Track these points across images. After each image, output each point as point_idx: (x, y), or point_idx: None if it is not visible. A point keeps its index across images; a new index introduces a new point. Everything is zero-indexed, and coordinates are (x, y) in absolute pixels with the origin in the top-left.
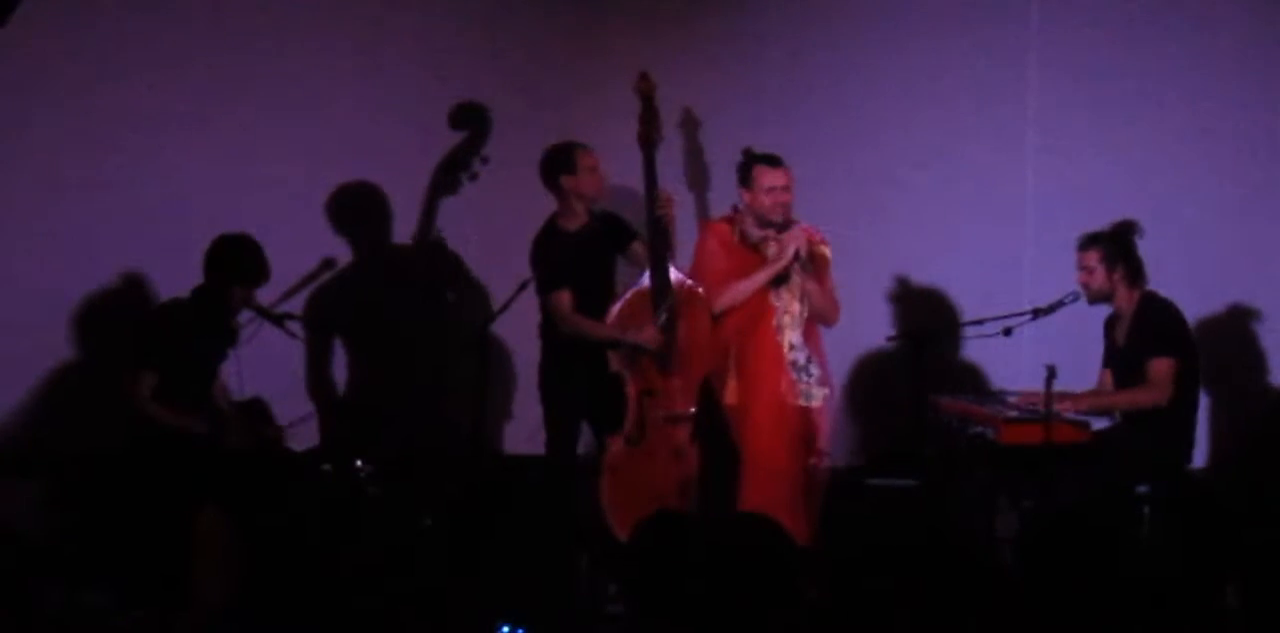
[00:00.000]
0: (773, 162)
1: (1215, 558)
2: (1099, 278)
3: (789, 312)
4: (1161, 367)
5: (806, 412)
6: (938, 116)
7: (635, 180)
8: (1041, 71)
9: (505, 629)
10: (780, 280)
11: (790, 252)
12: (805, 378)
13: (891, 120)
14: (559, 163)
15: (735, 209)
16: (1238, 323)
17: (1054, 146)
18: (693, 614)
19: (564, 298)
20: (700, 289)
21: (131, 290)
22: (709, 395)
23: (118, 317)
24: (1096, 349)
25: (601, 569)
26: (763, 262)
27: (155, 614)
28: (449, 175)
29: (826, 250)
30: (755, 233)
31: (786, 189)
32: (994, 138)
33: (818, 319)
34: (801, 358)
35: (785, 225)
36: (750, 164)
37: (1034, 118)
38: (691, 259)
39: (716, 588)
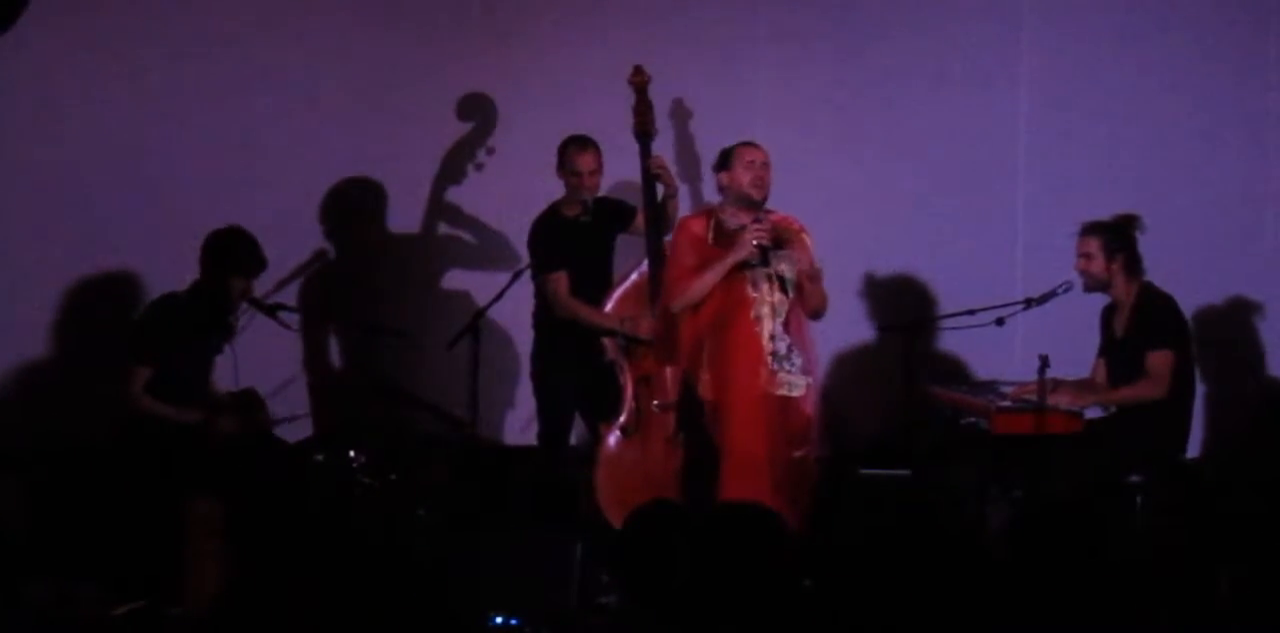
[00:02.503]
0: (749, 143)
1: (1209, 548)
2: (1098, 265)
3: (768, 302)
4: (1161, 360)
5: (788, 402)
6: (929, 107)
7: (632, 172)
8: (1033, 62)
9: (498, 619)
10: (748, 266)
11: (748, 245)
12: (787, 367)
13: (883, 110)
14: (559, 160)
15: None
16: (1233, 315)
17: (1046, 137)
18: (686, 604)
19: (560, 280)
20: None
21: (127, 285)
22: (689, 387)
23: (112, 312)
24: (1089, 339)
25: (595, 559)
26: None
27: (148, 607)
28: (454, 166)
29: (807, 238)
30: (733, 221)
31: (765, 165)
32: (986, 129)
33: (807, 311)
34: (783, 347)
35: (760, 204)
36: (729, 148)
37: (1026, 108)
38: None
39: (710, 577)
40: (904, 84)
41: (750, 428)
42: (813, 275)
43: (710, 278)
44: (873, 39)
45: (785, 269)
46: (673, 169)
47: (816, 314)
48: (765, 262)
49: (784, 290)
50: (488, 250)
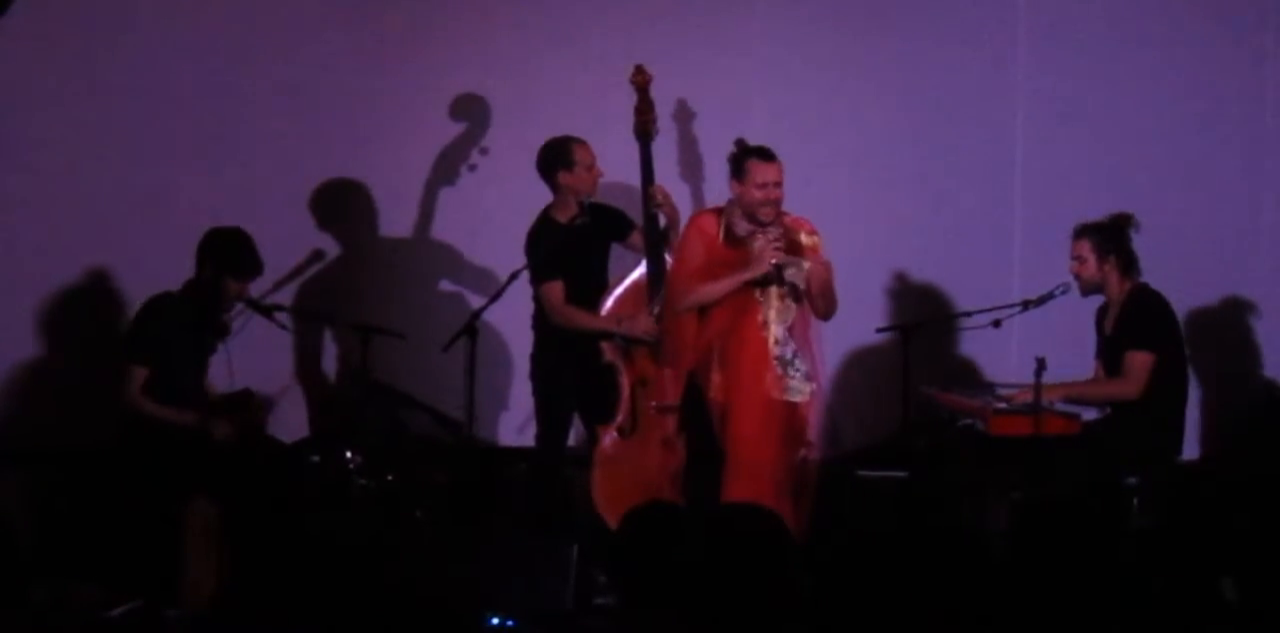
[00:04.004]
0: (766, 156)
1: (1206, 550)
2: (1090, 268)
3: (774, 307)
4: (1137, 360)
5: (791, 407)
6: (927, 106)
7: (632, 173)
8: (1031, 62)
9: (494, 621)
10: (763, 282)
11: (763, 266)
12: (791, 373)
13: (881, 111)
14: (556, 158)
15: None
16: (1230, 314)
17: (1043, 137)
18: (683, 605)
19: (555, 289)
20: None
21: (126, 285)
22: (693, 389)
23: (111, 312)
24: (1086, 341)
25: (591, 560)
26: (745, 257)
27: (146, 607)
28: (448, 166)
29: (818, 240)
30: (744, 226)
31: (778, 185)
32: (983, 128)
33: (817, 312)
34: (788, 353)
35: (766, 233)
36: (744, 157)
37: (1023, 107)
38: None
39: (710, 579)
40: (903, 85)
41: (755, 431)
42: (825, 278)
43: (720, 289)
44: (872, 41)
45: (794, 275)
46: (674, 170)
47: (826, 315)
48: (780, 280)
49: (791, 297)
50: (483, 251)
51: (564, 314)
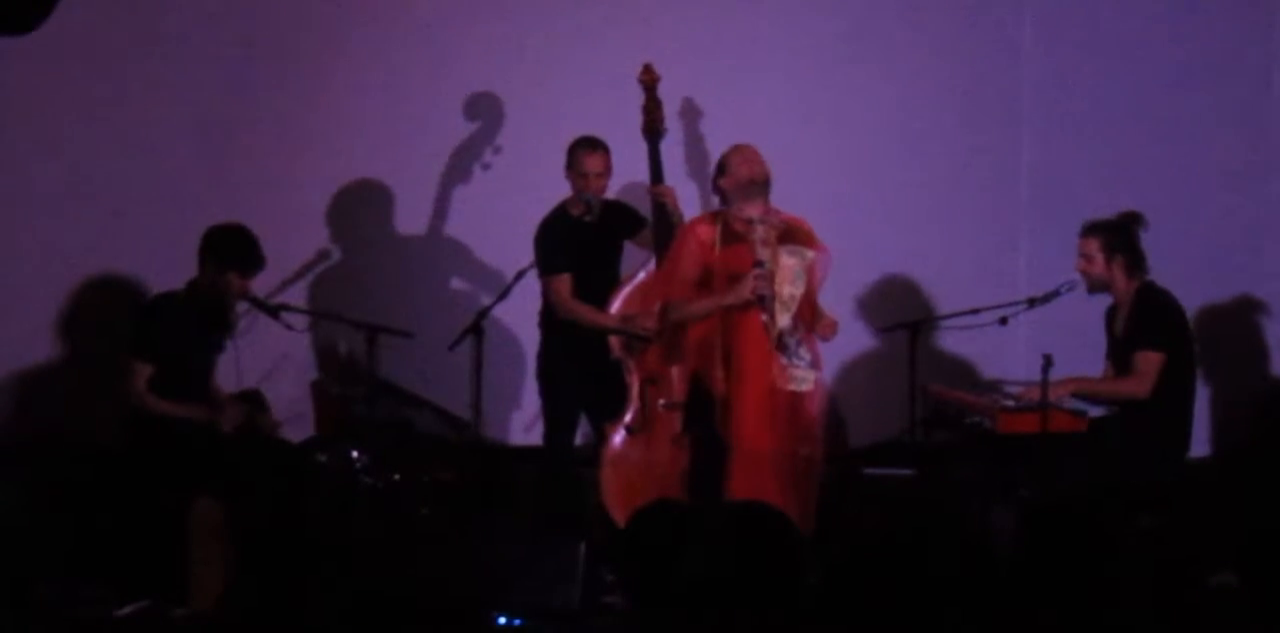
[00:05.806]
0: (737, 146)
1: (1213, 547)
2: (1098, 266)
3: (779, 296)
4: (1148, 360)
5: (796, 397)
6: (933, 104)
7: (641, 171)
8: (1037, 60)
9: (502, 619)
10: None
11: (744, 294)
12: (796, 362)
13: (887, 108)
14: (567, 160)
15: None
16: (1240, 312)
17: (1050, 133)
18: (690, 602)
19: (563, 283)
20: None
21: (127, 285)
22: (699, 384)
23: (114, 311)
24: (1093, 338)
25: (599, 559)
26: (744, 253)
27: (152, 606)
28: (461, 165)
29: (816, 244)
30: (740, 216)
31: (760, 158)
32: (990, 125)
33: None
34: (792, 342)
35: (765, 186)
36: (722, 156)
37: (1030, 103)
38: None
39: (717, 575)
40: (909, 83)
41: (760, 423)
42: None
43: (700, 308)
44: (878, 38)
45: (796, 264)
46: (681, 168)
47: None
48: (761, 307)
49: (797, 285)
50: (491, 250)
51: (570, 308)
